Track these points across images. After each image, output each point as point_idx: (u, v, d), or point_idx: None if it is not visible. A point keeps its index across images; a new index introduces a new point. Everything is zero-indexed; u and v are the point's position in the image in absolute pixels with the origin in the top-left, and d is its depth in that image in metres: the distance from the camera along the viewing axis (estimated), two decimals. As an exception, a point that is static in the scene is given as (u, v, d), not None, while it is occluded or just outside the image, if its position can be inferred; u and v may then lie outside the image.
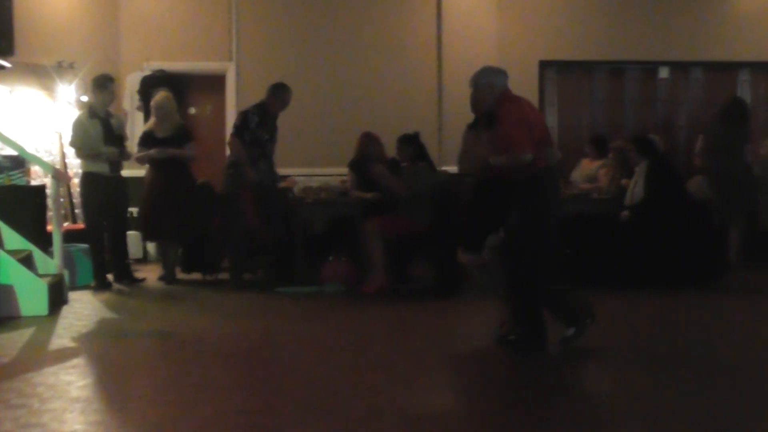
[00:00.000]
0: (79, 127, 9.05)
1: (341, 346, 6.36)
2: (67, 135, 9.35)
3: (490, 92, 6.23)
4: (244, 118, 9.12)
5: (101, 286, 8.99)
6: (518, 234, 6.05)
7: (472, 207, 6.72)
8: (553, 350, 5.99)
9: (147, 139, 9.44)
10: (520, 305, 6.13)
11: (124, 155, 9.27)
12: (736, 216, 10.01)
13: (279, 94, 9.21)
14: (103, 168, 8.98)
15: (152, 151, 9.33)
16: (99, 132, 8.96)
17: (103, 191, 9.02)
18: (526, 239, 6.02)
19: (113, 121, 9.23)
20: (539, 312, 6.08)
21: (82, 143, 9.00)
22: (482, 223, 6.41)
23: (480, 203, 6.54)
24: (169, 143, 9.42)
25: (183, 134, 9.52)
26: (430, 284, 8.81)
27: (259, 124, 9.06)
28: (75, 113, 10.51)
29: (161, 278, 9.47)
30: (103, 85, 9.05)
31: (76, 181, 10.14)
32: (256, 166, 8.99)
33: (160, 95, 9.52)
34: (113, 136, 9.09)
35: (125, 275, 9.32)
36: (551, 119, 12.06)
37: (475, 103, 6.37)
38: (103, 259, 9.14)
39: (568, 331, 6.10)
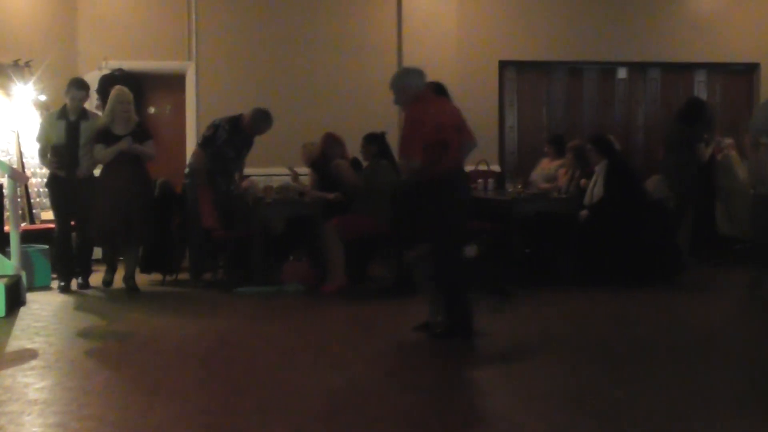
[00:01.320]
0: (40, 126, 9.04)
1: (301, 346, 6.37)
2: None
3: (403, 94, 6.50)
4: (213, 131, 9.14)
5: (66, 289, 8.83)
6: (429, 233, 6.49)
7: (397, 206, 7.14)
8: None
9: (105, 136, 8.88)
10: (444, 298, 6.49)
11: (73, 163, 8.78)
12: (686, 211, 10.16)
13: (258, 120, 9.15)
14: (60, 171, 8.78)
15: (121, 144, 8.76)
16: (58, 134, 8.73)
17: (61, 194, 8.83)
18: (435, 238, 6.45)
19: (85, 125, 8.83)
20: (462, 303, 6.44)
21: (38, 142, 8.96)
22: (406, 221, 6.67)
23: (401, 203, 6.82)
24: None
25: (142, 131, 9.12)
26: (389, 284, 8.83)
27: (227, 141, 9.08)
28: (33, 113, 10.45)
29: (115, 281, 9.19)
30: (67, 89, 8.86)
31: (33, 181, 10.05)
32: (214, 179, 9.06)
33: (116, 89, 9.18)
34: (75, 140, 8.75)
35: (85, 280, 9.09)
36: (510, 119, 12.15)
37: (396, 104, 6.76)
38: (69, 261, 8.96)
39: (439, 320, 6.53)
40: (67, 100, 8.85)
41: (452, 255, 6.48)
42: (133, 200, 8.74)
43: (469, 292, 6.52)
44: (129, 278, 8.89)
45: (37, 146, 9.08)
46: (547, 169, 10.54)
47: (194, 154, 9.33)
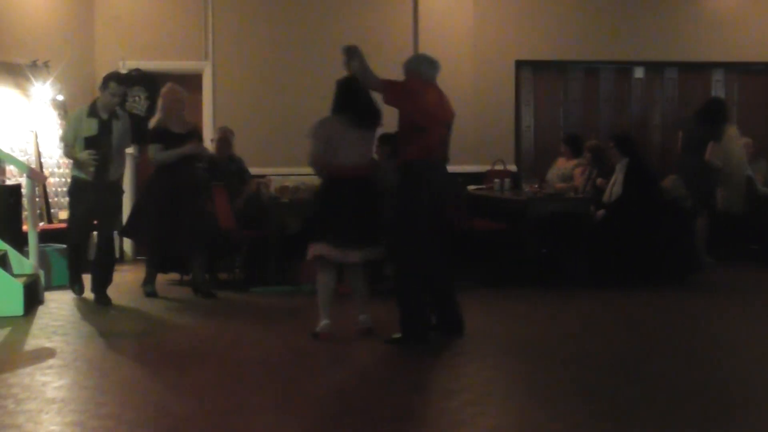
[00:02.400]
0: (67, 123, 8.53)
1: (315, 346, 6.38)
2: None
3: (413, 75, 6.58)
4: (212, 162, 9.35)
5: (80, 292, 8.48)
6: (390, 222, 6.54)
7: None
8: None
9: (162, 136, 8.50)
10: (398, 297, 6.49)
11: (109, 162, 8.20)
12: (704, 211, 10.14)
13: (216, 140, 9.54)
14: (83, 173, 8.17)
15: (193, 148, 8.46)
16: (92, 132, 8.14)
17: (85, 200, 8.17)
18: (395, 228, 6.49)
19: (117, 124, 8.29)
20: (414, 304, 6.39)
21: (62, 141, 8.55)
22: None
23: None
24: (187, 141, 8.60)
25: (195, 131, 8.84)
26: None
27: (209, 178, 9.24)
28: (51, 113, 10.50)
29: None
30: (105, 84, 8.27)
31: (51, 180, 10.10)
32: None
33: (169, 86, 8.82)
34: (109, 140, 8.21)
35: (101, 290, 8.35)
36: (527, 119, 12.11)
37: None
38: (80, 269, 8.51)
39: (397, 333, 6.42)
40: (103, 96, 8.25)
41: (408, 246, 6.36)
42: (189, 204, 8.43)
43: (423, 294, 6.46)
44: (201, 284, 8.59)
45: (58, 145, 8.79)
46: (563, 168, 10.53)
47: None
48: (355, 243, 6.43)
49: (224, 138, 9.67)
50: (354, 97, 6.60)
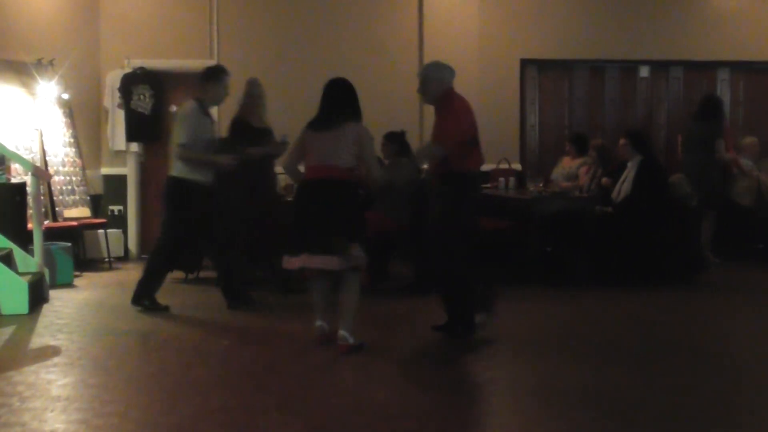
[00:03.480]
0: (187, 124, 7.65)
1: (320, 344, 6.37)
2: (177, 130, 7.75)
3: (436, 87, 6.44)
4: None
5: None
6: (442, 228, 6.44)
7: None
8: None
9: (245, 130, 8.31)
10: (448, 296, 6.56)
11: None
12: (708, 210, 10.15)
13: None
14: (204, 176, 7.62)
15: (280, 147, 8.20)
16: (207, 132, 7.74)
17: (193, 203, 7.59)
18: (447, 234, 6.42)
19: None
20: (466, 302, 6.51)
21: (183, 141, 7.59)
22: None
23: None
24: (268, 135, 8.42)
25: (269, 127, 8.62)
26: (409, 282, 8.83)
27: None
28: (56, 111, 10.51)
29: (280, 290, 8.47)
30: (217, 76, 7.86)
31: (56, 179, 10.11)
32: None
33: (253, 80, 8.62)
34: (214, 138, 7.95)
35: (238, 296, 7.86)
36: (532, 117, 12.12)
37: (421, 93, 6.65)
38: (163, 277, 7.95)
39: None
40: (214, 89, 7.84)
41: (461, 253, 6.41)
42: (267, 201, 8.43)
43: (470, 292, 6.51)
44: (286, 281, 8.35)
45: (175, 150, 7.66)
46: (567, 167, 10.52)
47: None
48: (322, 248, 6.06)
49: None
50: (322, 99, 6.45)
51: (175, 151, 7.66)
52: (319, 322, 6.32)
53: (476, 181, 6.69)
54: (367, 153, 6.34)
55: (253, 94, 8.59)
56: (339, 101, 6.34)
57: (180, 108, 8.07)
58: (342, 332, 6.09)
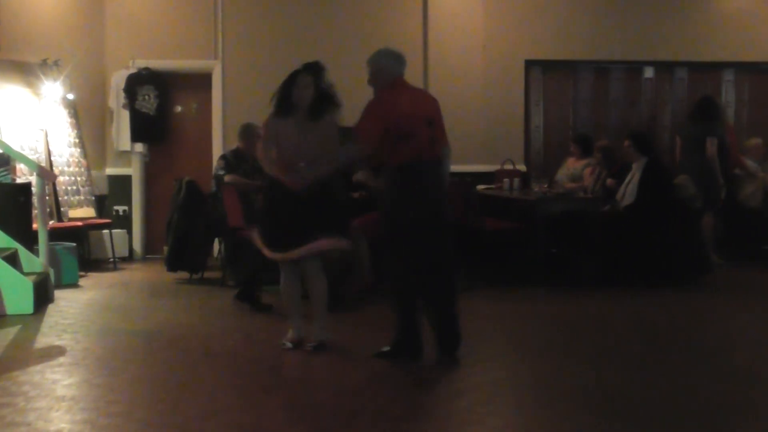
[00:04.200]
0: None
1: (325, 345, 6.37)
2: None
3: (379, 76, 6.03)
4: (223, 163, 9.25)
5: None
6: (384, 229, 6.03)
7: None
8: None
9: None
10: (392, 307, 6.07)
11: None
12: (709, 209, 10.17)
13: (241, 137, 9.23)
14: None
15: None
16: None
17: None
18: (387, 234, 5.99)
19: None
20: (408, 315, 5.93)
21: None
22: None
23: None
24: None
25: None
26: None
27: (235, 166, 9.18)
28: (61, 111, 10.52)
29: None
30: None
31: (61, 179, 10.12)
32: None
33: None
34: None
35: None
36: (536, 118, 12.10)
37: (369, 84, 6.17)
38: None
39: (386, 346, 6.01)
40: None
41: (401, 256, 5.87)
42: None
43: (417, 305, 5.92)
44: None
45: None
46: (572, 168, 10.51)
47: (226, 179, 9.31)
48: (294, 242, 6.05)
49: (256, 134, 9.62)
50: (288, 91, 6.30)
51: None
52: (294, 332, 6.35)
53: (413, 177, 5.81)
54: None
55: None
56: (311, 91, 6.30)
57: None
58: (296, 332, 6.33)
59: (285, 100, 6.30)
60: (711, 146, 10.21)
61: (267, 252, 6.19)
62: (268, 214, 6.26)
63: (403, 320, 5.92)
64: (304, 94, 6.29)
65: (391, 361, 5.86)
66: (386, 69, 6.02)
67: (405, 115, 5.81)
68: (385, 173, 5.98)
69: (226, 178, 9.01)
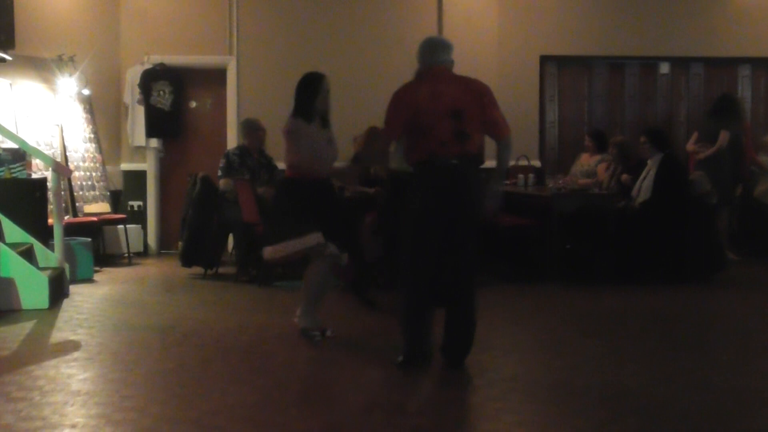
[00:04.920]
0: None
1: (339, 341, 6.38)
2: None
3: (419, 66, 5.76)
4: (225, 160, 9.47)
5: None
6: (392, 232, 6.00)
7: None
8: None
9: None
10: (399, 313, 5.74)
11: None
12: (724, 205, 10.15)
13: (244, 131, 9.50)
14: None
15: None
16: None
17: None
18: (396, 239, 5.77)
19: None
20: (414, 321, 5.59)
21: None
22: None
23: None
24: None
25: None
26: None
27: (240, 164, 9.37)
28: (76, 107, 10.55)
29: None
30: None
31: (76, 174, 10.15)
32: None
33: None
34: None
35: None
36: (551, 114, 12.08)
37: None
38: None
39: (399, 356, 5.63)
40: None
41: (408, 264, 5.53)
42: None
43: (428, 311, 5.60)
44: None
45: None
46: (586, 164, 10.47)
47: (222, 185, 9.40)
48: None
49: (262, 129, 9.67)
50: (313, 96, 6.35)
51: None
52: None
53: (424, 176, 5.50)
54: None
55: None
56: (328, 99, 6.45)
57: None
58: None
59: (309, 104, 6.32)
60: (723, 137, 10.20)
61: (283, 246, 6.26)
62: (293, 210, 6.27)
63: (411, 327, 5.58)
64: (327, 101, 6.42)
65: (404, 370, 5.53)
66: (421, 59, 5.72)
67: (420, 109, 5.45)
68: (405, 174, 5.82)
69: (220, 183, 9.18)
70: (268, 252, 6.41)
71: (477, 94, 5.58)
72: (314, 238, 6.19)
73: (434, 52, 5.68)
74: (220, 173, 9.42)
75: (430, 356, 5.63)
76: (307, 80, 6.42)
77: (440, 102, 5.46)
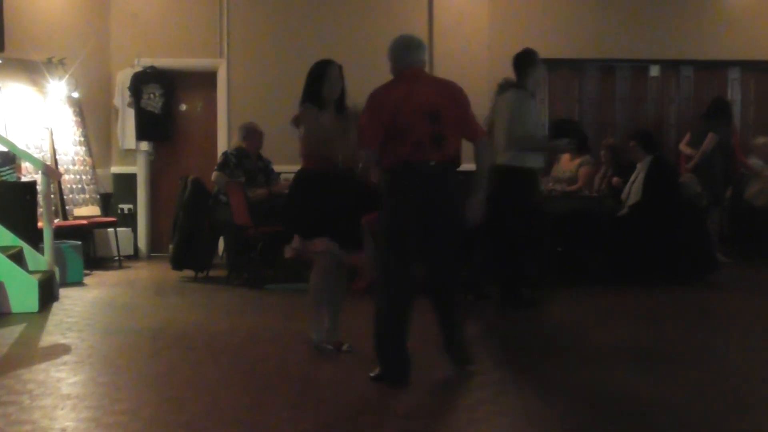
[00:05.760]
0: (523, 109, 7.69)
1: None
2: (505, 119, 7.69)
3: (392, 66, 5.60)
4: (224, 158, 9.51)
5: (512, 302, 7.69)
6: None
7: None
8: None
9: None
10: (375, 324, 5.45)
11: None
12: (714, 207, 10.18)
13: (241, 135, 9.55)
14: (538, 162, 7.82)
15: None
16: (539, 117, 7.86)
17: (535, 191, 7.87)
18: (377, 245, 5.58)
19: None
20: (390, 334, 5.35)
21: (530, 128, 7.69)
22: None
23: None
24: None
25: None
26: (420, 281, 8.79)
27: (237, 165, 9.40)
28: (66, 110, 10.52)
29: None
30: (536, 60, 7.95)
31: (66, 177, 10.13)
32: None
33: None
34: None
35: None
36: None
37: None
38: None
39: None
40: (534, 74, 7.98)
41: (383, 272, 5.39)
42: None
43: (404, 324, 5.37)
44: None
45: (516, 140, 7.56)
46: (567, 169, 10.24)
47: (214, 177, 9.42)
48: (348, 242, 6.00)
49: (261, 133, 9.68)
50: (319, 84, 6.12)
51: (512, 139, 7.56)
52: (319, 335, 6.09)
53: (397, 180, 5.30)
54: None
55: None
56: (341, 84, 6.14)
57: (507, 96, 7.99)
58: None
59: (314, 91, 6.11)
60: (709, 140, 10.24)
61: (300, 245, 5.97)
62: (308, 204, 5.95)
63: (384, 339, 5.33)
64: (336, 87, 6.15)
65: (382, 383, 5.26)
66: (395, 60, 5.55)
67: (396, 111, 5.25)
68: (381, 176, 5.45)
69: (213, 176, 9.20)
70: (288, 252, 6.20)
71: (452, 94, 5.46)
72: (320, 245, 5.91)
73: (410, 52, 5.54)
74: (216, 168, 9.44)
75: (408, 368, 5.33)
76: (313, 67, 6.25)
77: (416, 103, 5.29)
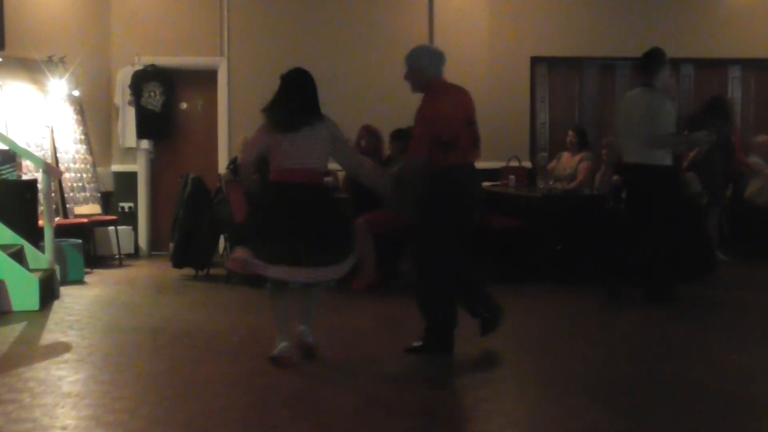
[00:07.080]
0: (665, 108, 7.87)
1: (330, 342, 6.37)
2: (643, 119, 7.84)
3: (418, 77, 5.95)
4: (234, 161, 9.40)
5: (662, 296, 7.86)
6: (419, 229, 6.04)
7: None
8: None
9: None
10: (422, 305, 6.04)
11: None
12: (714, 206, 10.17)
13: None
14: (667, 159, 7.92)
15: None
16: (674, 116, 8.01)
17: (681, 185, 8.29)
18: (424, 235, 5.99)
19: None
20: (443, 314, 5.97)
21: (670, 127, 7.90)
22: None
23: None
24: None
25: None
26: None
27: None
28: (66, 108, 10.52)
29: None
30: (663, 59, 8.04)
31: (67, 175, 10.13)
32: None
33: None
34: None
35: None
36: (542, 115, 12.09)
37: (406, 80, 6.07)
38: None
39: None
40: (662, 73, 8.09)
41: (438, 258, 5.88)
42: None
43: (454, 304, 5.96)
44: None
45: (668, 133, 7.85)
46: (568, 166, 10.26)
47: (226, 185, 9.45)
48: (313, 262, 5.62)
49: None
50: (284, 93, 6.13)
51: (653, 138, 7.76)
52: (285, 343, 5.73)
53: (459, 180, 5.89)
54: (350, 149, 6.38)
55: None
56: (306, 97, 6.03)
57: (637, 95, 8.14)
58: (305, 328, 6.03)
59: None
60: (695, 135, 10.24)
61: (258, 265, 5.60)
62: (270, 222, 5.65)
63: (439, 315, 5.94)
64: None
65: (423, 355, 5.90)
66: (421, 70, 5.95)
67: (447, 121, 5.82)
68: (429, 177, 5.86)
69: (224, 174, 9.25)
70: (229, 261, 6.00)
71: (472, 100, 6.09)
72: (275, 272, 5.61)
73: (437, 63, 6.00)
74: (227, 167, 9.53)
75: (452, 346, 5.95)
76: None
77: (458, 112, 5.90)
